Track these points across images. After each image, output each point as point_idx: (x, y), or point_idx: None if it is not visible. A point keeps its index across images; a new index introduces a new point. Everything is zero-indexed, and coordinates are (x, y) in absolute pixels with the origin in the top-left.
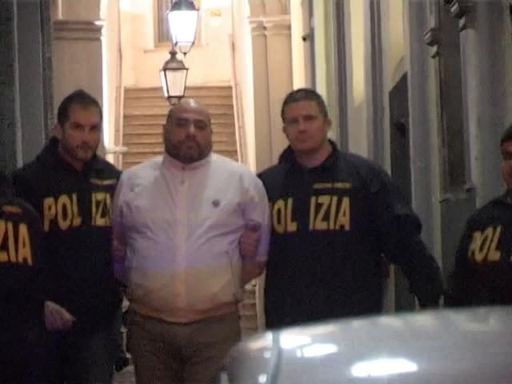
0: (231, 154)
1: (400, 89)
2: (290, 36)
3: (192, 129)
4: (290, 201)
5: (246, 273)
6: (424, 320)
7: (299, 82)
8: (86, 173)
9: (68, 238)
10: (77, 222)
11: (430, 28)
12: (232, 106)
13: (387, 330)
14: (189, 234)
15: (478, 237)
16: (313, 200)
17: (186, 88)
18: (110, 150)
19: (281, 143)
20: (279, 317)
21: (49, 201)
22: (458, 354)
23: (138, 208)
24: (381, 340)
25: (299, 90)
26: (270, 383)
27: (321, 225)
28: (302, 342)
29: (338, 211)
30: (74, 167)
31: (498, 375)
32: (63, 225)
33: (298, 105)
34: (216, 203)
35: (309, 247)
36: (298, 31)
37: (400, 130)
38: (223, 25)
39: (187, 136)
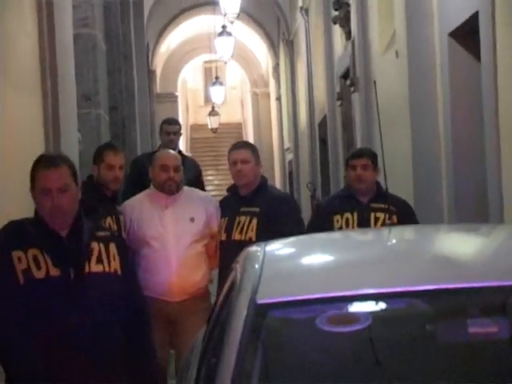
0: None
1: (323, 122)
2: (269, 98)
3: (172, 173)
4: (226, 219)
5: (211, 266)
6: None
7: (274, 121)
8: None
9: None
10: None
11: (336, 91)
12: (241, 133)
13: (337, 239)
14: (177, 242)
15: (339, 219)
16: (237, 218)
17: (219, 124)
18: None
19: (267, 153)
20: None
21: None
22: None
23: (138, 227)
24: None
25: (239, 142)
26: (259, 268)
27: (238, 236)
28: (279, 246)
29: (248, 227)
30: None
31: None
32: None
33: (238, 152)
34: (192, 219)
35: (232, 250)
36: (273, 95)
37: (323, 142)
38: (237, 93)
39: (168, 178)
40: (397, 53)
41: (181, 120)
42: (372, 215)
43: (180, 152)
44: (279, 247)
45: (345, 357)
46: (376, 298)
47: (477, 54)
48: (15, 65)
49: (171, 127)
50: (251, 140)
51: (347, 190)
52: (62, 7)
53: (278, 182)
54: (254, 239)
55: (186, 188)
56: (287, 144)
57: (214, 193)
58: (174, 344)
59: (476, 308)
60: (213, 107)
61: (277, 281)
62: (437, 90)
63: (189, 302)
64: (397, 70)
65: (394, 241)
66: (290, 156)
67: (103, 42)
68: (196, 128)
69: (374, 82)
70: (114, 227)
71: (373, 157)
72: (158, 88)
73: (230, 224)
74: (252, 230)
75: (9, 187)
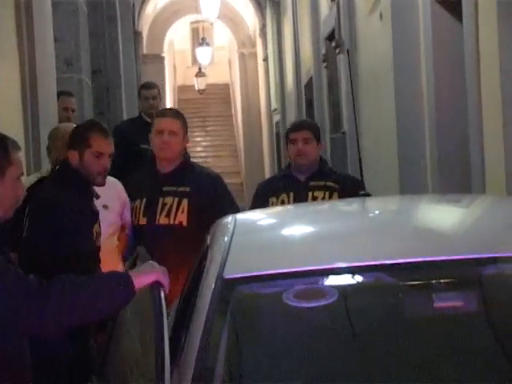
0: (228, 116)
1: (309, 83)
2: (256, 58)
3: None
4: (144, 200)
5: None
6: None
7: (261, 81)
8: None
9: None
10: None
11: (322, 53)
12: (229, 94)
13: (305, 209)
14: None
15: (274, 201)
16: (160, 199)
17: (206, 85)
18: None
19: (254, 114)
20: None
21: None
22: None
23: None
24: (298, 213)
25: (167, 109)
26: (228, 240)
27: (164, 220)
28: (250, 218)
29: (177, 210)
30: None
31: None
32: None
33: (165, 120)
34: (105, 206)
35: (157, 236)
36: (260, 56)
37: (309, 104)
38: (224, 53)
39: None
40: (381, 14)
41: (168, 81)
42: (310, 194)
43: None
44: (251, 219)
45: (313, 333)
46: (346, 272)
47: (459, 16)
48: None
49: (149, 92)
50: (238, 101)
51: (287, 168)
52: None
53: (265, 143)
54: (185, 224)
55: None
56: (274, 105)
57: (202, 154)
58: None
59: (446, 282)
60: (199, 68)
61: (246, 254)
62: (420, 51)
63: None
64: (381, 31)
65: (368, 213)
66: (277, 117)
67: (85, 5)
68: (184, 89)
69: (348, 51)
70: (99, 230)
71: (315, 129)
72: (145, 49)
73: (150, 206)
74: (183, 212)
75: None
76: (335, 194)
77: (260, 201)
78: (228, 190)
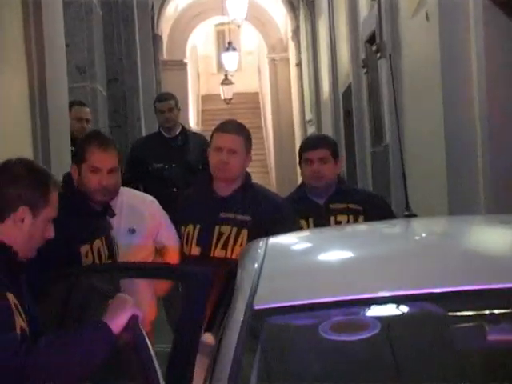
0: (258, 128)
1: (347, 91)
2: (289, 64)
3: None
4: (197, 227)
5: (159, 290)
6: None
7: (294, 89)
8: None
9: None
10: None
11: (361, 58)
12: (258, 104)
13: (342, 233)
14: None
15: (304, 225)
16: (216, 228)
17: (233, 94)
18: (194, 129)
19: (286, 126)
20: None
21: None
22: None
23: None
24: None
25: (229, 122)
26: (259, 266)
27: (220, 252)
28: (281, 241)
29: (235, 241)
30: None
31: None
32: None
33: (227, 136)
34: (132, 230)
35: None
36: (293, 61)
37: (347, 114)
38: (253, 59)
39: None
40: (427, 15)
41: (191, 90)
42: (332, 219)
43: (183, 129)
44: (284, 242)
45: (353, 369)
46: (389, 301)
47: None
48: None
49: (164, 104)
50: (268, 112)
51: (302, 189)
52: None
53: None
54: None
55: (122, 189)
56: (309, 115)
57: None
58: None
59: (501, 312)
60: (226, 75)
61: (278, 282)
62: (471, 54)
63: None
64: (427, 33)
65: (413, 235)
66: (311, 129)
67: (99, 6)
68: (208, 98)
69: (390, 56)
70: (105, 252)
71: (333, 147)
72: (165, 55)
73: (205, 234)
74: (241, 245)
75: None
76: (361, 218)
77: None
78: (293, 220)
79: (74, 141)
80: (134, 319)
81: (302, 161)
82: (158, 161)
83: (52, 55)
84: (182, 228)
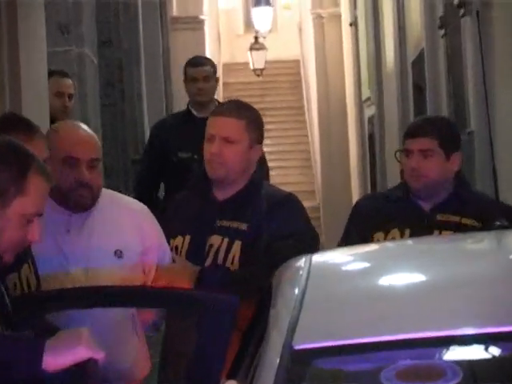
0: (299, 108)
1: (419, 60)
2: (340, 22)
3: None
4: (188, 238)
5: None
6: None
7: (347, 57)
8: None
9: None
10: None
11: (439, 16)
12: (299, 76)
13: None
14: None
15: (381, 238)
16: (209, 239)
17: (266, 62)
18: None
19: (336, 105)
20: None
21: None
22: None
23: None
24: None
25: (228, 102)
26: (301, 293)
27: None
28: (329, 259)
29: (226, 255)
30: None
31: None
32: None
33: (217, 120)
34: (119, 253)
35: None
36: (346, 19)
37: (418, 91)
38: (292, 15)
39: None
40: None
41: (209, 56)
42: (435, 235)
43: None
44: (332, 262)
45: None
46: (473, 341)
47: None
48: None
49: (197, 70)
50: (313, 86)
51: (403, 187)
52: None
53: (353, 148)
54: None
55: (105, 192)
56: (367, 93)
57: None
58: None
59: None
60: (256, 38)
61: (324, 314)
62: None
63: None
64: None
65: (505, 254)
66: (370, 110)
67: None
68: (232, 68)
69: (477, 13)
70: (34, 281)
71: (443, 134)
72: (175, 11)
73: (195, 247)
74: (233, 261)
75: None
76: None
77: (358, 235)
78: (311, 236)
79: (53, 123)
80: (92, 364)
81: (402, 151)
82: (186, 149)
83: (26, 10)
84: (171, 241)
